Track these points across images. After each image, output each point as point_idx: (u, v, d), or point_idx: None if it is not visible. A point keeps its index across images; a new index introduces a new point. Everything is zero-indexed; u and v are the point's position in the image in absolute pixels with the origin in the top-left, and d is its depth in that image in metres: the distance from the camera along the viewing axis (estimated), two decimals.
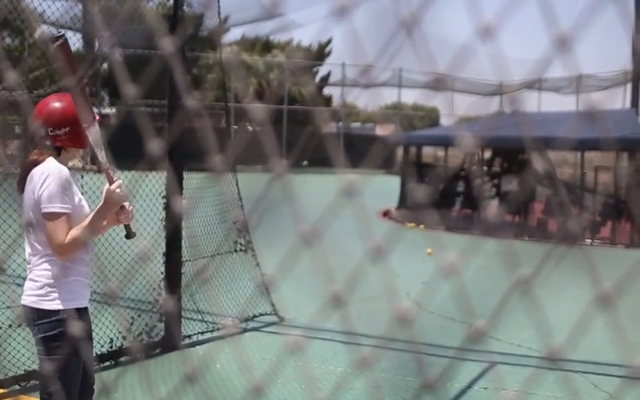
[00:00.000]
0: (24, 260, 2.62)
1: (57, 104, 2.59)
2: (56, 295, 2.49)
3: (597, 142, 10.75)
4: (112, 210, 2.56)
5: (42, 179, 2.47)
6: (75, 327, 2.43)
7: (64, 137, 2.55)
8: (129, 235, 2.70)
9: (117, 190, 2.53)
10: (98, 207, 2.54)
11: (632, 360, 0.92)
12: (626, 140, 11.60)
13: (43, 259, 2.52)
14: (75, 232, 2.46)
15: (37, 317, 2.49)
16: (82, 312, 2.57)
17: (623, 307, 0.99)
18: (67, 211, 2.47)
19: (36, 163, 2.53)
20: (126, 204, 2.61)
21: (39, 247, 2.51)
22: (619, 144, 11.51)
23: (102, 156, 2.56)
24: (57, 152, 2.56)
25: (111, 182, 2.55)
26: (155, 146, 1.33)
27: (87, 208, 2.62)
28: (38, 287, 2.51)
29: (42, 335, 2.48)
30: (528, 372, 4.80)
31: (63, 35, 2.46)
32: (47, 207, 2.45)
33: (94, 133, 2.53)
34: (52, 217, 2.45)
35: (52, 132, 2.54)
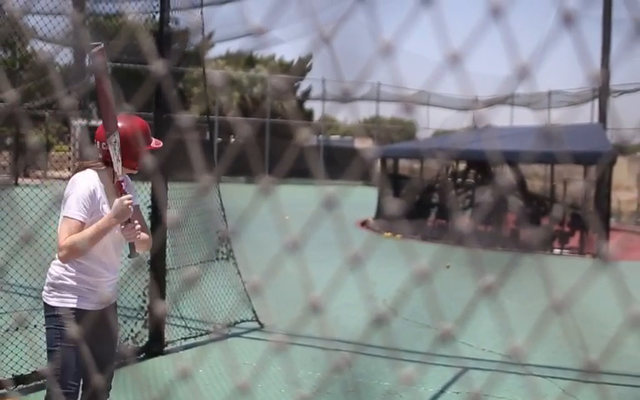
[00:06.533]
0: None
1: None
2: (55, 293, 2.63)
3: (565, 155, 11.09)
4: (116, 223, 2.56)
5: (68, 186, 2.63)
6: (70, 327, 2.51)
7: (104, 151, 2.66)
8: (131, 254, 2.68)
9: (126, 202, 2.54)
10: (103, 218, 2.55)
11: (586, 359, 1.00)
12: (593, 153, 11.99)
13: (54, 257, 2.66)
14: (75, 237, 2.51)
15: (44, 310, 2.64)
16: (80, 314, 2.61)
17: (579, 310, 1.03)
18: (78, 219, 2.54)
19: (78, 170, 2.69)
20: (136, 222, 2.62)
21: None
22: (587, 157, 11.90)
23: (117, 167, 2.61)
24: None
25: (121, 195, 2.57)
26: (149, 159, 1.41)
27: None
28: (46, 283, 2.67)
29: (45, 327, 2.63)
30: (499, 377, 4.97)
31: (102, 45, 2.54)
32: (64, 211, 2.57)
33: (113, 142, 2.59)
34: (64, 221, 2.56)
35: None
